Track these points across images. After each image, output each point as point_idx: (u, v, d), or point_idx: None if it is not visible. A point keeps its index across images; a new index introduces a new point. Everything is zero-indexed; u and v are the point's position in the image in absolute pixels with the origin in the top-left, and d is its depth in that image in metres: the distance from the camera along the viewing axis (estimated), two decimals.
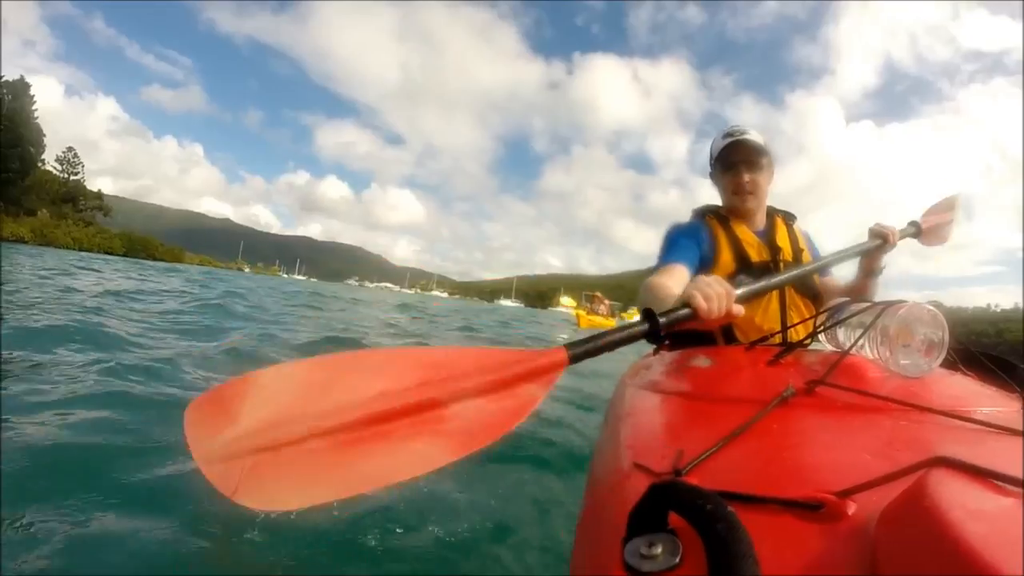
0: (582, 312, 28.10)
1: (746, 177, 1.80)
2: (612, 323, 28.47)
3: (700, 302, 1.10)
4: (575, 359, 0.95)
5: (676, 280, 1.59)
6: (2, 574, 1.40)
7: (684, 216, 1.99)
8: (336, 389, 0.81)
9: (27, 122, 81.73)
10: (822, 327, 1.27)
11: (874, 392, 0.83)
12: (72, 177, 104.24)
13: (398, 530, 1.72)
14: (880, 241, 1.72)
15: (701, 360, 1.25)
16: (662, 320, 1.07)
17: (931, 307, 0.99)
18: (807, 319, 1.65)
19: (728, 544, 0.41)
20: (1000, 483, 0.43)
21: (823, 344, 1.30)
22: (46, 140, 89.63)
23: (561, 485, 2.09)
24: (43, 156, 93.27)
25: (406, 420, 0.78)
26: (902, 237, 1.79)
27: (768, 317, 1.75)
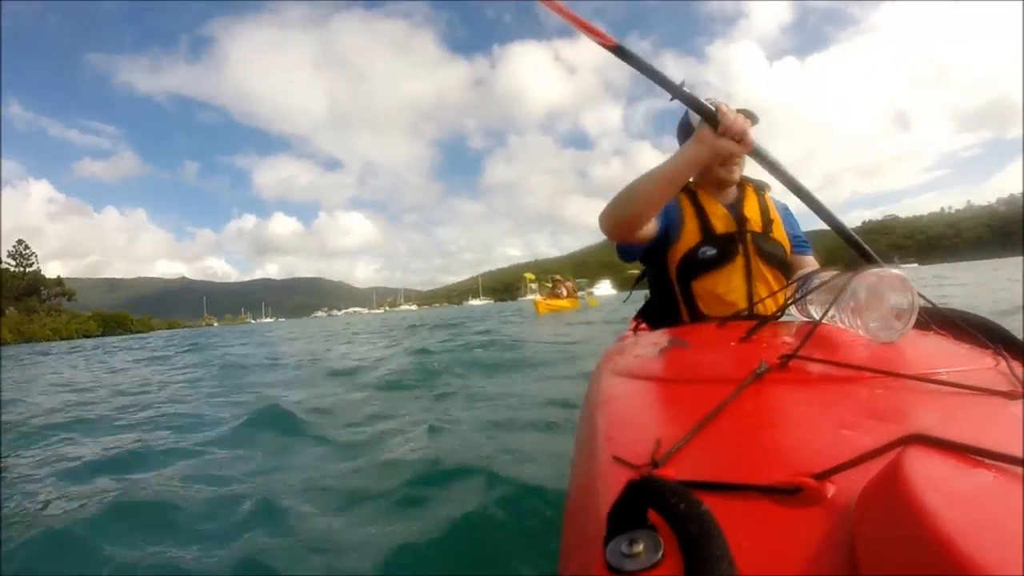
0: (540, 299, 26.75)
1: None
2: (577, 304, 27.55)
3: (725, 110, 1.33)
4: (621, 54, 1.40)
5: None
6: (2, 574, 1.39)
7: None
8: None
9: None
10: (792, 299, 1.27)
11: (848, 362, 0.83)
12: (28, 269, 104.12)
13: (385, 531, 1.70)
14: None
15: (674, 341, 1.25)
16: (687, 91, 1.34)
17: (899, 271, 0.99)
18: (775, 292, 1.66)
19: (700, 545, 0.40)
20: (976, 456, 0.43)
21: (795, 316, 1.31)
22: None
23: (549, 478, 2.06)
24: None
25: None
26: None
27: (733, 289, 1.70)
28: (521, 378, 5.46)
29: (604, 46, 1.44)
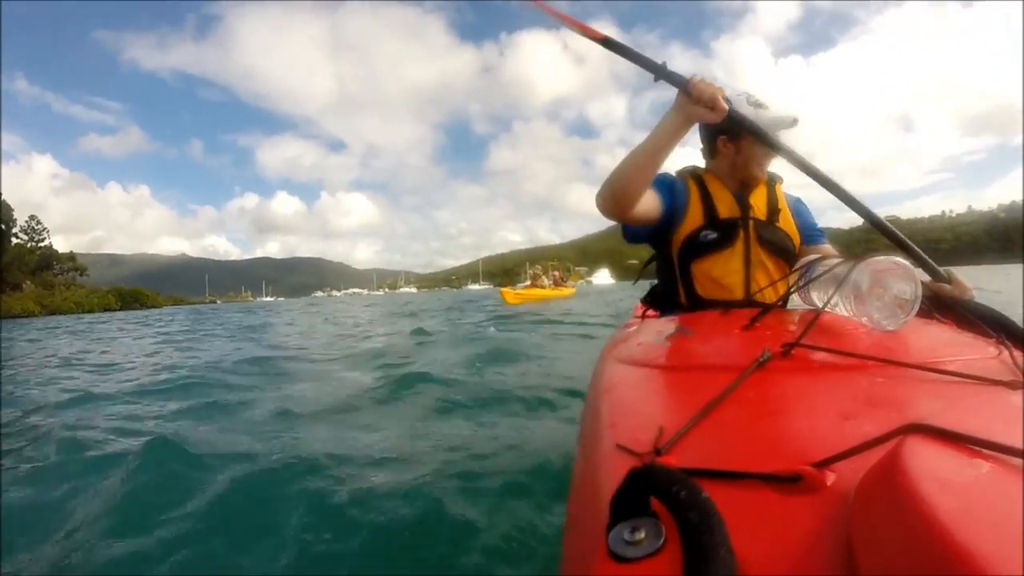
0: (508, 290, 25.30)
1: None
2: (565, 292, 25.83)
3: (695, 81, 1.40)
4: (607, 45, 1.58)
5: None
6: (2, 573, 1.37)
7: None
8: None
9: None
10: (794, 287, 1.27)
11: (850, 350, 0.83)
12: (40, 244, 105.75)
13: (389, 525, 1.65)
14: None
15: (678, 328, 1.25)
16: (668, 70, 1.46)
17: (902, 260, 0.99)
18: (777, 281, 1.66)
19: (700, 532, 0.41)
20: (975, 447, 0.42)
21: (799, 303, 1.31)
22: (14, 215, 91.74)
23: (554, 468, 2.03)
24: (14, 230, 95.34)
25: None
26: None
27: (730, 273, 1.71)
28: None
29: (594, 39, 1.64)
